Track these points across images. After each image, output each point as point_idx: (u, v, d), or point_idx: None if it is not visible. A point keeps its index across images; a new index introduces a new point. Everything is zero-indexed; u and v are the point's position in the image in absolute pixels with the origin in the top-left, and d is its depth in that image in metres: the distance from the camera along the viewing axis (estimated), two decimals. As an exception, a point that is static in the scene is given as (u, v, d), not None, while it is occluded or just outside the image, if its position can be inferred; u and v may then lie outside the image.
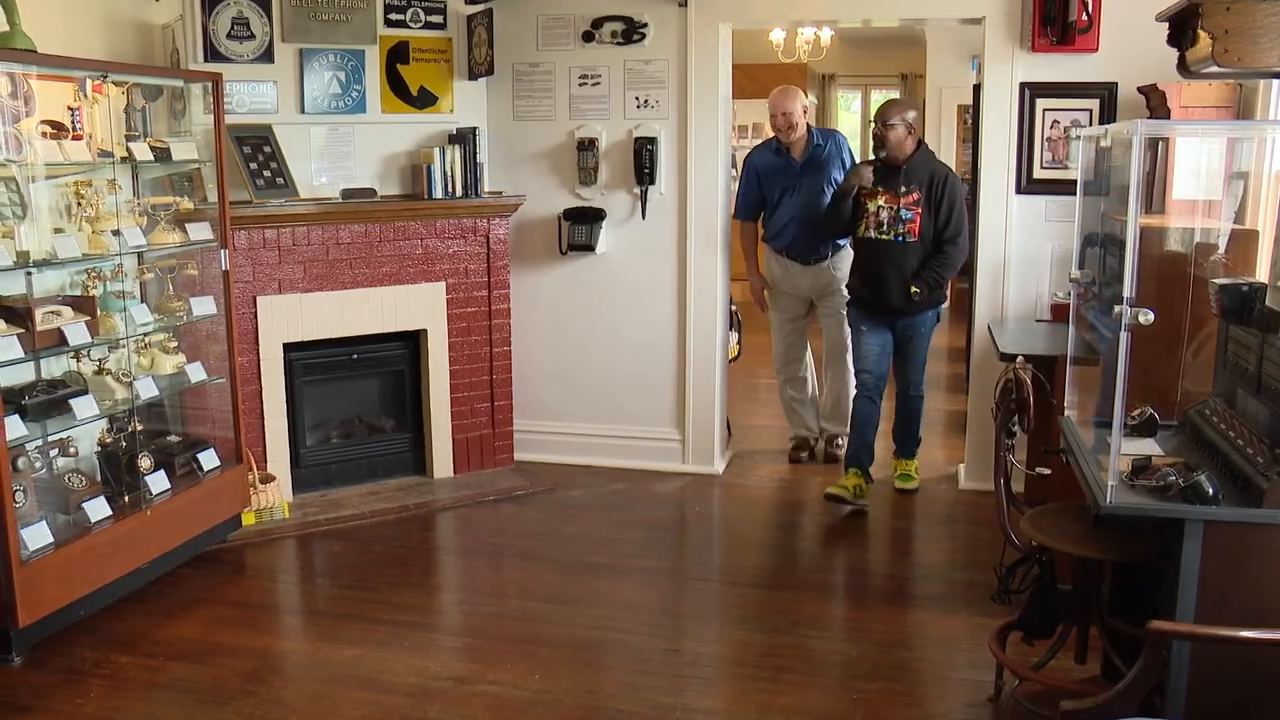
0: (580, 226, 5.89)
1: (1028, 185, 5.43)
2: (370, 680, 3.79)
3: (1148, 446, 3.10)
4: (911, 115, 5.31)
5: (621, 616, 4.29)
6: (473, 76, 5.73)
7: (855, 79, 14.53)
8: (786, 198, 5.93)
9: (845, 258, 5.83)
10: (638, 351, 5.99)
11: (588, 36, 5.77)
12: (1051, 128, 5.35)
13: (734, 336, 6.31)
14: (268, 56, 5.26)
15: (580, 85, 5.84)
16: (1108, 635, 3.35)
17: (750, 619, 4.27)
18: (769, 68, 11.27)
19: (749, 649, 4.02)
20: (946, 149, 11.14)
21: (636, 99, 5.78)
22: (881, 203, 5.25)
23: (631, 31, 5.73)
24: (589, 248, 5.88)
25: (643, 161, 5.75)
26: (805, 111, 5.88)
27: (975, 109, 7.40)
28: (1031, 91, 5.33)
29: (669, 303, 5.92)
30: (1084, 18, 5.08)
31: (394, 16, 5.53)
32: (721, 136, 5.80)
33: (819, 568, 4.86)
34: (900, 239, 5.21)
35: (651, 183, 5.78)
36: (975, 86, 7.54)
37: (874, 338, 5.43)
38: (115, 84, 4.53)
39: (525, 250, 6.01)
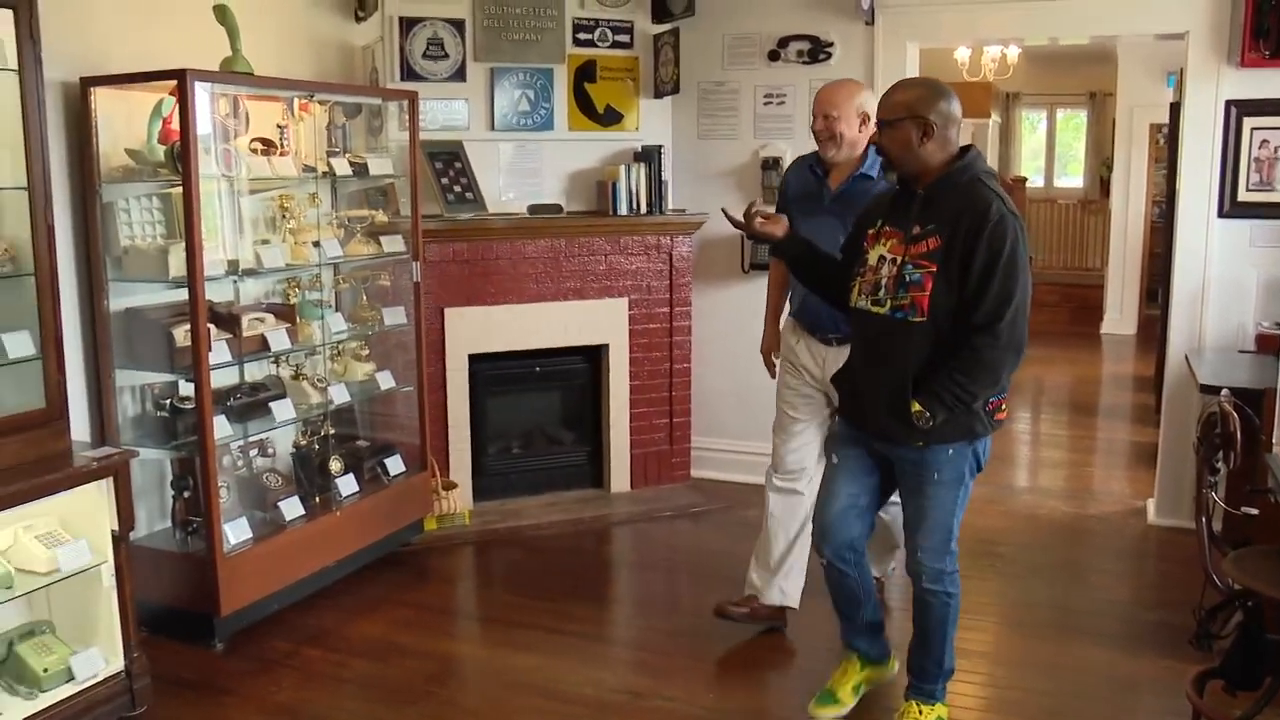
0: (763, 245, 5.85)
1: (1231, 208, 5.12)
2: (547, 689, 3.83)
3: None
4: (932, 105, 3.13)
5: (794, 638, 4.24)
6: (658, 95, 5.78)
7: (1041, 98, 14.14)
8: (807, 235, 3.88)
9: None
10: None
11: (773, 55, 5.77)
12: (1260, 147, 5.06)
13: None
14: (460, 75, 5.41)
15: (765, 104, 5.83)
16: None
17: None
18: (952, 86, 11.03)
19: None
20: (1136, 171, 10.74)
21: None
22: (885, 250, 3.21)
23: (817, 51, 5.70)
24: (770, 267, 5.81)
25: (827, 180, 5.65)
26: (864, 121, 3.90)
27: (1172, 128, 7.13)
28: (1239, 109, 5.05)
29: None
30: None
31: (582, 36, 5.62)
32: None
33: (996, 600, 4.68)
34: (900, 314, 3.13)
35: (836, 202, 5.68)
36: (1172, 105, 7.25)
37: (846, 479, 3.47)
38: (320, 103, 4.74)
39: (707, 268, 6.01)
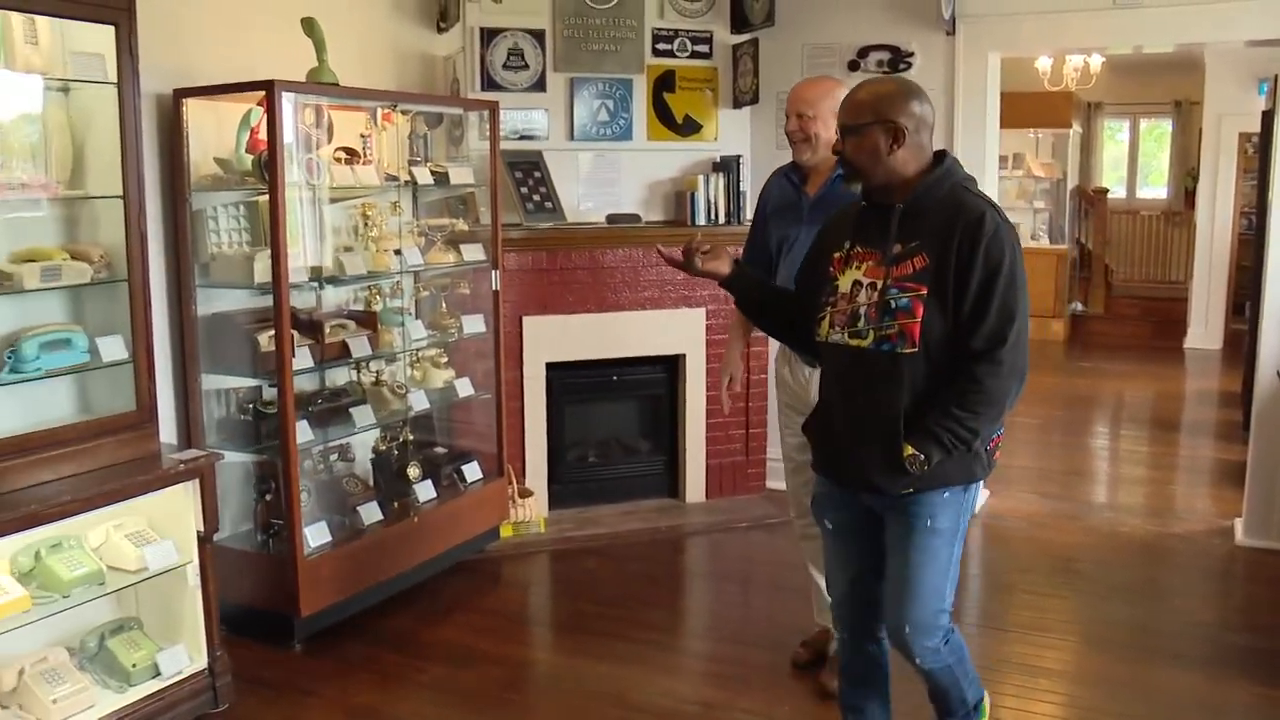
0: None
1: (1325, 220, 5.00)
2: (621, 698, 3.84)
3: None
4: (901, 107, 2.74)
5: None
6: (737, 105, 5.78)
7: (1123, 107, 13.90)
8: (787, 252, 3.71)
9: None
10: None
11: (853, 65, 5.74)
12: (1357, 157, 4.94)
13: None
14: (540, 85, 5.45)
15: (845, 114, 5.79)
16: None
17: (1002, 665, 4.10)
18: (1032, 96, 10.94)
19: (1002, 697, 3.85)
20: (1224, 181, 10.51)
21: (901, 128, 5.68)
22: (860, 275, 2.80)
23: (898, 60, 5.66)
24: (848, 277, 5.79)
25: (906, 191, 5.62)
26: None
27: (1263, 137, 6.96)
28: (1335, 118, 4.94)
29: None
30: None
31: (661, 46, 5.64)
32: (990, 167, 5.63)
33: (1074, 618, 4.61)
34: (887, 346, 2.72)
35: (914, 212, 5.65)
36: (1265, 113, 7.09)
37: (847, 547, 3.03)
38: (402, 112, 4.80)
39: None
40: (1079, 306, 12.47)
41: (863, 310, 2.76)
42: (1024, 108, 10.22)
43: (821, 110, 3.59)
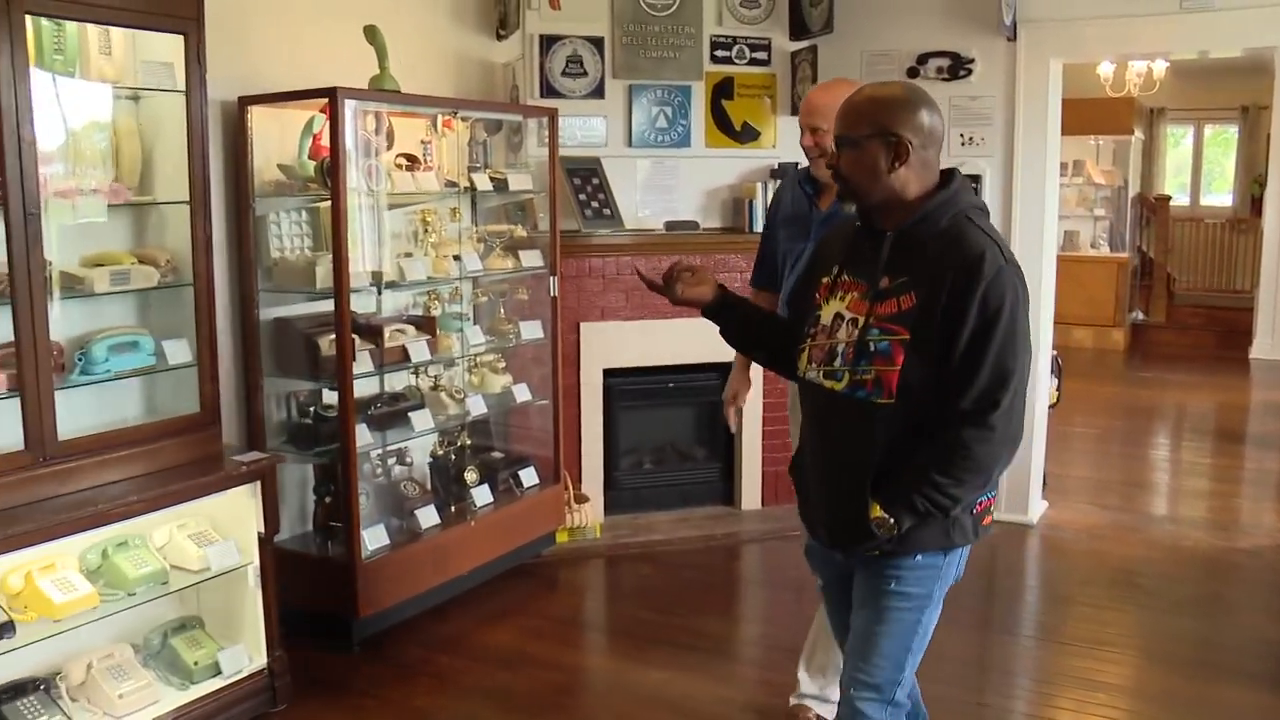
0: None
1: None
2: (675, 705, 3.84)
3: None
4: (907, 118, 2.40)
5: (925, 663, 4.14)
6: (795, 112, 5.76)
7: (1188, 113, 13.67)
8: (792, 267, 3.46)
9: None
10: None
11: (912, 72, 5.70)
12: None
13: (1053, 382, 6.04)
14: (599, 92, 5.47)
15: (903, 121, 5.75)
16: None
17: (1059, 679, 4.06)
18: (1094, 102, 10.80)
19: (1059, 711, 3.81)
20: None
21: (961, 136, 5.65)
22: (843, 307, 2.47)
23: (958, 67, 5.62)
24: (907, 286, 5.75)
25: (965, 199, 5.58)
26: None
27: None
28: None
29: (987, 344, 5.71)
30: None
31: (720, 53, 5.64)
32: (1050, 174, 5.57)
33: (1135, 632, 4.54)
34: (860, 393, 2.39)
35: (974, 221, 5.61)
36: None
37: (836, 596, 2.78)
38: (462, 119, 4.84)
39: (840, 285, 5.95)
40: (1140, 315, 12.30)
41: (840, 349, 2.43)
42: (1085, 114, 10.09)
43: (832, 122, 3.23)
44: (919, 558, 2.46)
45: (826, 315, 2.49)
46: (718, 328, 2.79)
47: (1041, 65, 5.47)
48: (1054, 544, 5.52)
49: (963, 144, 5.63)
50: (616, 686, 4.04)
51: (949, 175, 2.46)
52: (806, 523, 2.70)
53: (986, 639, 4.47)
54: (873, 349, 2.37)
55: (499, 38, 5.45)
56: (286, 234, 4.44)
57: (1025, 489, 5.73)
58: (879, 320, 2.37)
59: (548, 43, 5.37)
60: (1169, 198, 13.00)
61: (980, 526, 2.49)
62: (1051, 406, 6.03)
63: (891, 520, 2.37)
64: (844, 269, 2.50)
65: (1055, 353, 6.01)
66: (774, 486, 5.85)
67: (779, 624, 4.74)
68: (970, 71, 5.59)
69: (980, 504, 2.46)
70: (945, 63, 5.64)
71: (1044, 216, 5.56)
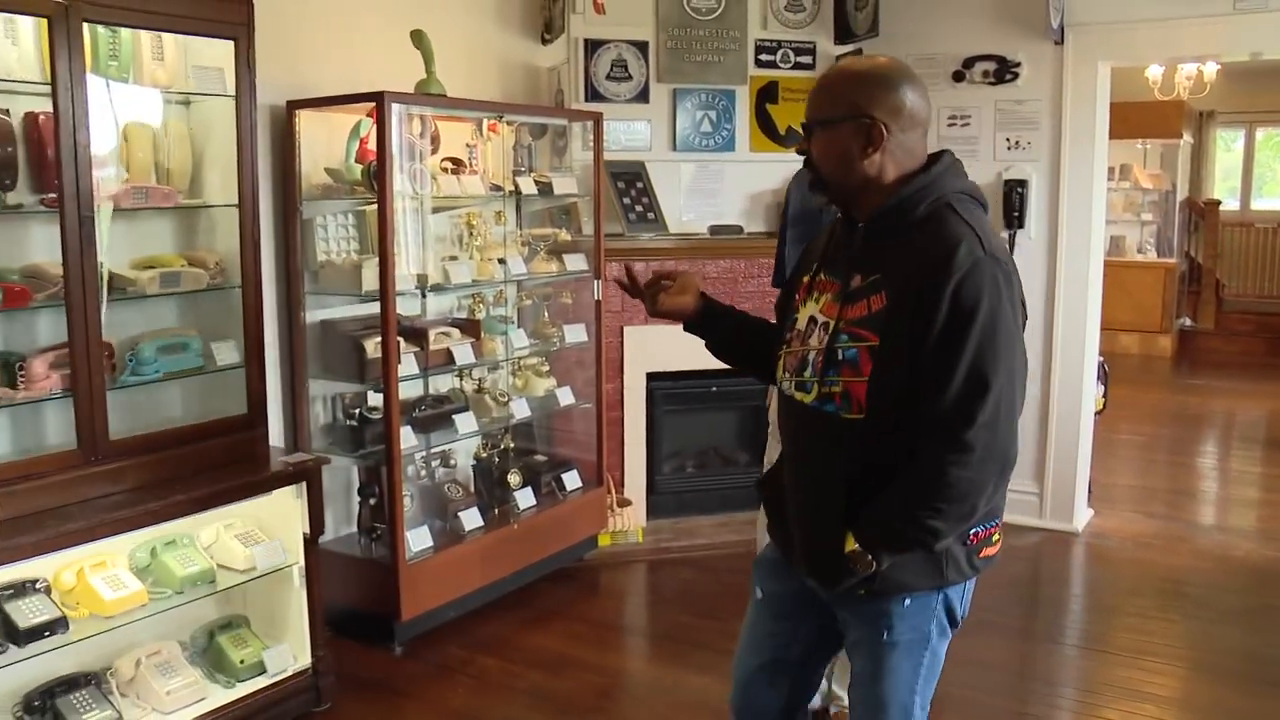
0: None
1: None
2: (716, 710, 3.79)
3: None
4: (882, 98, 2.11)
5: (969, 672, 4.12)
6: (840, 116, 5.74)
7: (1239, 115, 13.46)
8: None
9: None
10: (997, 398, 5.75)
11: (958, 76, 5.67)
12: None
13: (1100, 389, 5.98)
14: (643, 96, 5.47)
15: (949, 126, 5.73)
16: None
17: (1105, 689, 4.01)
18: (1142, 105, 10.67)
19: (1111, 721, 3.78)
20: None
21: (1007, 140, 5.61)
22: (817, 309, 2.21)
23: (1004, 71, 5.58)
24: (951, 290, 5.72)
25: (1012, 204, 5.56)
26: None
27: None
28: None
29: (1033, 352, 5.66)
30: None
31: (764, 57, 5.63)
32: (1098, 178, 5.52)
33: (1183, 643, 4.48)
34: (830, 407, 2.12)
35: (1021, 227, 5.58)
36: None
37: (768, 624, 2.45)
38: (507, 123, 4.86)
39: (884, 290, 5.92)
40: (1187, 322, 12.15)
41: (811, 356, 2.16)
42: (1132, 118, 9.97)
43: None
44: (908, 602, 2.16)
45: (802, 319, 2.22)
46: (706, 342, 2.51)
47: (1089, 69, 5.42)
48: (1100, 552, 5.46)
49: (1008, 148, 5.60)
50: (657, 691, 4.04)
51: (935, 158, 2.17)
52: (782, 548, 2.36)
53: (1030, 648, 4.43)
54: (841, 357, 2.08)
55: (544, 42, 5.47)
56: (333, 237, 4.47)
57: (1071, 496, 5.68)
58: (848, 324, 2.08)
59: (592, 47, 5.38)
60: (1218, 202, 12.82)
61: (977, 559, 2.18)
62: (1098, 413, 5.98)
63: (869, 556, 2.06)
64: (822, 267, 2.24)
65: (1101, 359, 5.95)
66: (816, 492, 5.82)
67: (821, 630, 4.72)
68: (1017, 75, 5.55)
69: (976, 534, 2.16)
70: (991, 66, 5.60)
71: (1091, 221, 5.51)
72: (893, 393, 2.03)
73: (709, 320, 2.47)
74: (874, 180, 2.12)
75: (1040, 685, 4.13)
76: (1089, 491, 5.93)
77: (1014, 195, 5.55)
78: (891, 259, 2.07)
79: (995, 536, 2.21)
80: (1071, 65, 5.44)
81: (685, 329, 2.50)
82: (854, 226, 2.19)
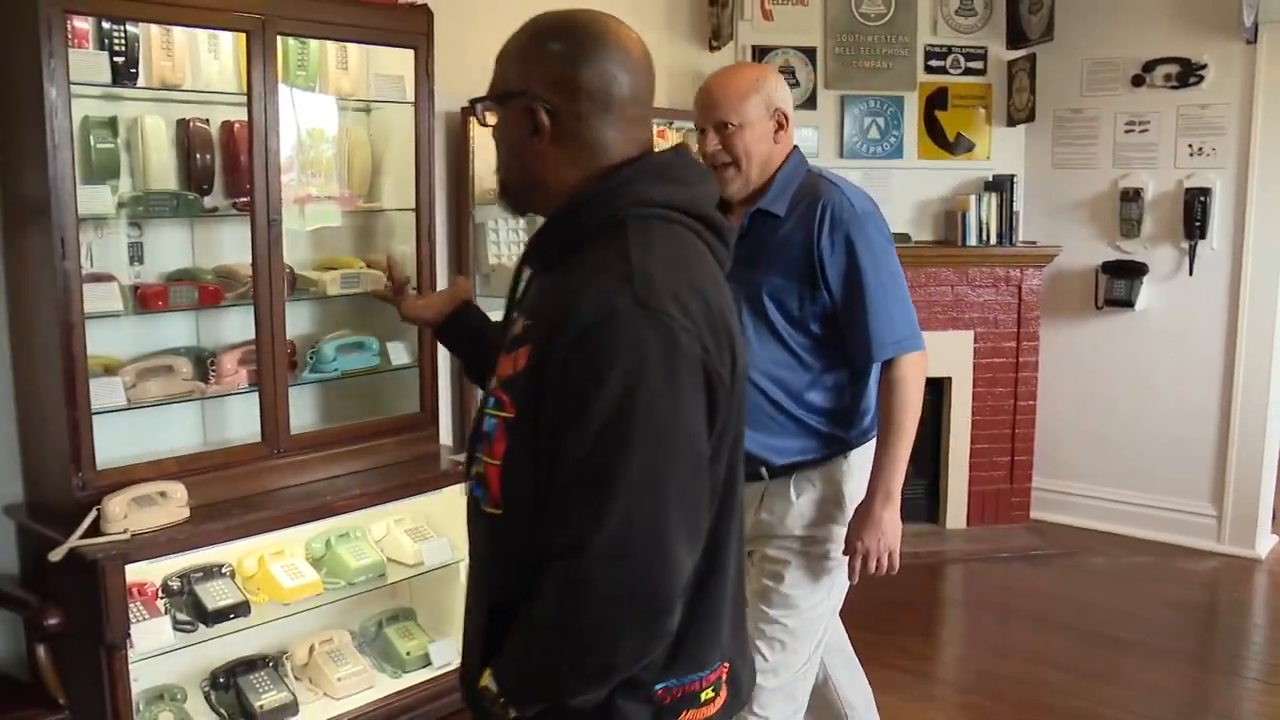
0: (1119, 281, 5.57)
1: None
2: (874, 722, 3.78)
3: None
4: (550, 65, 1.52)
5: (1146, 700, 3.99)
6: (1011, 123, 5.61)
7: None
8: None
9: (859, 466, 2.65)
10: (1175, 417, 5.55)
11: (1137, 80, 5.47)
12: None
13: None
14: (811, 103, 5.44)
15: (1127, 132, 5.54)
16: None
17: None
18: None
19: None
20: None
21: (1189, 147, 5.39)
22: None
23: (1188, 74, 5.36)
24: (1128, 303, 5.54)
25: (1194, 214, 5.34)
26: (781, 124, 2.55)
27: None
28: None
29: (1214, 367, 5.44)
30: None
31: (934, 63, 5.55)
32: (1292, 188, 5.27)
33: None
34: (477, 492, 1.54)
35: (1202, 237, 5.35)
36: None
37: None
38: (676, 129, 4.89)
39: (1057, 302, 5.77)
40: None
41: (476, 433, 1.58)
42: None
43: (749, 114, 2.48)
44: None
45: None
46: (458, 358, 2.13)
47: (1286, 70, 5.18)
48: (1284, 580, 5.21)
49: (1191, 155, 5.38)
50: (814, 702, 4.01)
51: (676, 150, 1.60)
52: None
53: (1207, 679, 4.25)
54: (484, 429, 1.52)
55: (712, 49, 5.48)
56: (504, 241, 4.57)
57: (1253, 520, 5.41)
58: (496, 385, 1.52)
59: (760, 53, 5.38)
60: None
61: None
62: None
63: (502, 699, 1.48)
64: (512, 304, 1.68)
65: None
66: (980, 506, 5.71)
67: (980, 646, 4.62)
68: (1202, 78, 5.32)
69: (666, 691, 1.51)
70: (1174, 69, 5.38)
71: (1281, 232, 5.26)
72: (529, 489, 1.45)
73: (451, 335, 2.07)
74: (545, 181, 1.54)
75: (1218, 718, 3.96)
76: (1273, 517, 5.65)
77: (1195, 204, 5.32)
78: (546, 298, 1.51)
79: (705, 694, 1.55)
80: (1265, 66, 5.18)
81: (434, 336, 2.12)
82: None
